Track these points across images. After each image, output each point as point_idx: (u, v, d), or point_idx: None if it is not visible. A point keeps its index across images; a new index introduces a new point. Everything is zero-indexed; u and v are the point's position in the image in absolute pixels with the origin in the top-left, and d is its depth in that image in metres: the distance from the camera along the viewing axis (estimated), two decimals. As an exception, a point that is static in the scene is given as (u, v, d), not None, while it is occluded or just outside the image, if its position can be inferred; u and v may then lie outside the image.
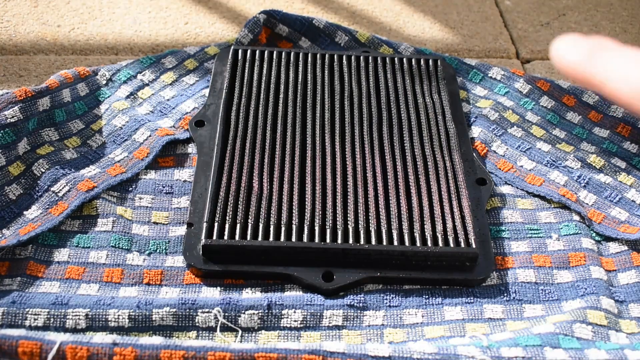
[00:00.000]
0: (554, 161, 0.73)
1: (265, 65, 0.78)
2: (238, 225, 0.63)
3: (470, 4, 1.00)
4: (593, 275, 0.63)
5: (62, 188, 0.65)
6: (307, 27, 0.85)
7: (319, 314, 0.59)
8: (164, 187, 0.69)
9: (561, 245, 0.66)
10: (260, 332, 0.58)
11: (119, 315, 0.57)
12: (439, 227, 0.64)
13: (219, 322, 0.58)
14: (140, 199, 0.68)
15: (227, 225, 0.63)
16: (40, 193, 0.65)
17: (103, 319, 0.56)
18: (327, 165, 0.68)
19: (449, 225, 0.64)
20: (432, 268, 0.62)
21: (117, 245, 0.63)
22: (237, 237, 0.62)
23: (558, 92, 0.80)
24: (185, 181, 0.70)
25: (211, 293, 0.61)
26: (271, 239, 0.62)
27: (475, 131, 0.75)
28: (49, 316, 0.56)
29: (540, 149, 0.74)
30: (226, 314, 0.58)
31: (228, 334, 0.58)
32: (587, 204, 0.70)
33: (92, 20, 0.91)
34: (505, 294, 0.62)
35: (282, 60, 0.79)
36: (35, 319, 0.56)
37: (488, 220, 0.68)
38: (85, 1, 0.94)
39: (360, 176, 0.68)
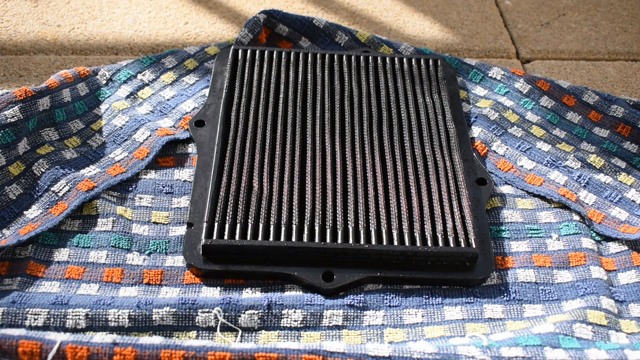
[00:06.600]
0: (554, 161, 0.73)
1: (265, 65, 0.78)
2: (238, 225, 0.63)
3: (470, 4, 1.00)
4: (593, 275, 0.63)
5: (62, 188, 0.65)
6: (307, 27, 0.85)
7: (319, 313, 0.59)
8: (164, 187, 0.69)
9: (561, 245, 0.66)
10: (260, 332, 0.58)
11: (119, 315, 0.57)
12: (439, 227, 0.64)
13: (219, 322, 0.58)
14: (140, 198, 0.68)
15: (227, 225, 0.63)
16: (40, 193, 0.65)
17: (103, 319, 0.56)
18: (327, 165, 0.68)
19: (449, 225, 0.64)
20: (432, 268, 0.63)
21: (117, 245, 0.63)
22: (237, 237, 0.62)
23: (558, 92, 0.80)
24: (185, 181, 0.70)
25: (211, 293, 0.61)
26: (271, 239, 0.62)
27: (475, 131, 0.75)
28: (49, 316, 0.56)
29: (540, 149, 0.74)
30: (226, 314, 0.58)
31: (228, 334, 0.58)
32: (587, 203, 0.70)
33: (92, 20, 0.91)
34: (505, 294, 0.62)
35: (282, 60, 0.79)
36: (35, 319, 0.56)
37: (488, 220, 0.68)
38: (85, 1, 0.94)
39: (360, 176, 0.68)
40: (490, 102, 0.79)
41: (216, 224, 0.63)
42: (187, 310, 0.58)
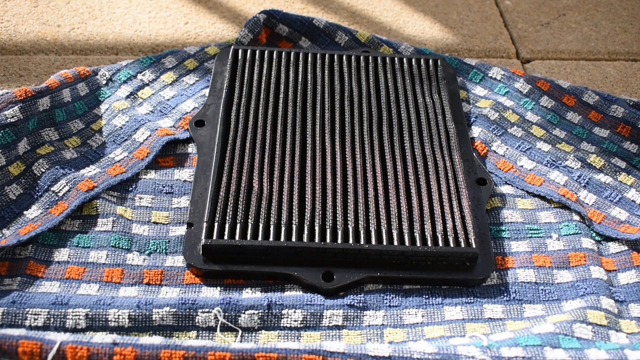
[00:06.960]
0: (554, 161, 0.73)
1: (265, 65, 0.78)
2: (238, 225, 0.63)
3: (470, 4, 1.00)
4: (593, 275, 0.63)
5: (62, 188, 0.65)
6: (307, 27, 0.85)
7: (319, 313, 0.59)
8: (164, 187, 0.69)
9: (561, 245, 0.66)
10: (260, 332, 0.58)
11: (119, 315, 0.57)
12: (439, 227, 0.64)
13: (219, 322, 0.58)
14: (140, 198, 0.68)
15: (227, 225, 0.63)
16: (40, 193, 0.65)
17: (103, 319, 0.56)
18: (327, 165, 0.68)
19: (449, 225, 0.64)
20: (432, 268, 0.63)
21: (117, 245, 0.63)
22: (237, 237, 0.62)
23: (558, 92, 0.80)
24: (185, 181, 0.70)
25: (211, 293, 0.61)
26: (271, 239, 0.62)
27: (475, 131, 0.75)
28: (49, 316, 0.56)
29: (540, 149, 0.74)
30: (226, 314, 0.58)
31: (228, 334, 0.58)
32: (587, 203, 0.70)
33: (92, 20, 0.91)
34: (505, 294, 0.62)
35: (282, 60, 0.79)
36: (35, 319, 0.56)
37: (488, 220, 0.68)
38: (85, 1, 0.94)
39: (360, 176, 0.68)
40: (490, 102, 0.79)
41: (216, 224, 0.63)
42: (187, 310, 0.58)
